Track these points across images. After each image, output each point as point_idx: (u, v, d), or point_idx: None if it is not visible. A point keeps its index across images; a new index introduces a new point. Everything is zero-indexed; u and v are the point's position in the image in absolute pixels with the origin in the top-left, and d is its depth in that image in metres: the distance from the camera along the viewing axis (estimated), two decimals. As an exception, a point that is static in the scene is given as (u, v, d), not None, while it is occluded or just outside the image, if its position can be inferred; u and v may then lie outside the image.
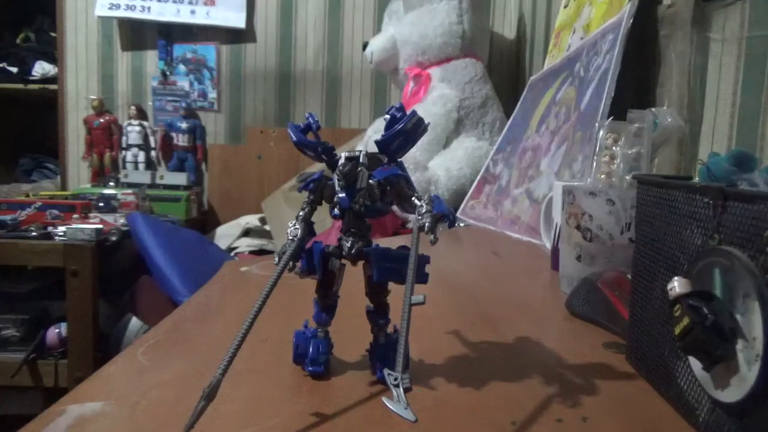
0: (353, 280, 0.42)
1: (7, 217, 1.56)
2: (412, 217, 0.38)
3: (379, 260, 0.39)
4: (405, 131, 0.39)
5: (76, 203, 1.67)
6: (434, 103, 1.70)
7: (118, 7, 2.29)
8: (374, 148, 0.41)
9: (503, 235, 1.20)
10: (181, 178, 2.22)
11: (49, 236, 1.49)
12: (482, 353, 0.48)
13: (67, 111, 2.40)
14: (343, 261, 0.41)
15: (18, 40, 2.46)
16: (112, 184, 2.18)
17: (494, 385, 0.41)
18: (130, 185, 2.13)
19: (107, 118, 2.34)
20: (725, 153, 0.62)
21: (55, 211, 1.62)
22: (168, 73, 2.38)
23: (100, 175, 2.34)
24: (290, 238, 0.39)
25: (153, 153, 2.40)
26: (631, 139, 0.71)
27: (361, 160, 0.39)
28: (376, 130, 1.89)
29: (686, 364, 0.36)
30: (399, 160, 0.41)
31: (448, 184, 1.57)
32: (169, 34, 2.37)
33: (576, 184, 0.74)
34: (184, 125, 2.35)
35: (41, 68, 2.38)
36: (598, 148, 0.74)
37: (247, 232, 2.03)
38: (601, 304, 0.57)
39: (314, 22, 2.33)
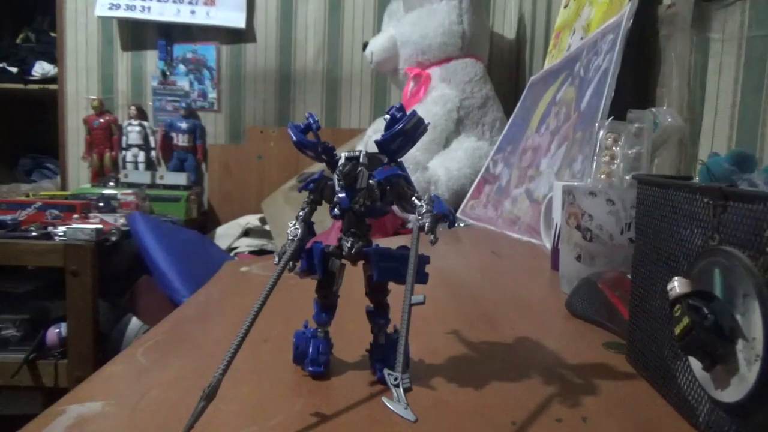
0: (353, 280, 0.42)
1: (7, 217, 1.55)
2: (412, 217, 0.38)
3: (379, 260, 0.39)
4: (405, 131, 0.39)
5: (76, 203, 1.67)
6: (434, 103, 1.70)
7: (118, 7, 2.29)
8: (374, 148, 0.41)
9: (503, 235, 1.20)
10: (181, 178, 2.22)
11: (49, 236, 1.49)
12: (482, 353, 0.48)
13: (67, 111, 2.40)
14: (343, 261, 0.41)
15: (18, 40, 2.46)
16: (112, 184, 2.18)
17: (494, 385, 0.41)
18: (130, 185, 2.13)
19: (107, 118, 2.34)
20: (725, 153, 0.62)
21: (55, 211, 1.62)
22: (168, 73, 2.38)
23: (100, 175, 2.34)
24: (290, 238, 0.39)
25: (153, 153, 2.40)
26: (631, 139, 0.71)
27: (361, 160, 0.39)
28: (376, 130, 1.89)
29: (686, 364, 0.36)
30: (399, 160, 0.41)
31: (448, 184, 1.57)
32: (169, 34, 2.37)
33: (576, 184, 0.74)
34: (184, 125, 2.35)
35: (41, 68, 2.38)
36: (598, 148, 0.74)
37: (247, 232, 2.03)
38: (601, 304, 0.57)
39: (314, 22, 2.34)
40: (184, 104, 2.36)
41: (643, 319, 0.43)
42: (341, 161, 0.40)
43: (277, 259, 0.38)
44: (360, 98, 2.36)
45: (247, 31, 2.34)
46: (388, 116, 0.40)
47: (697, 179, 0.59)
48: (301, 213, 0.40)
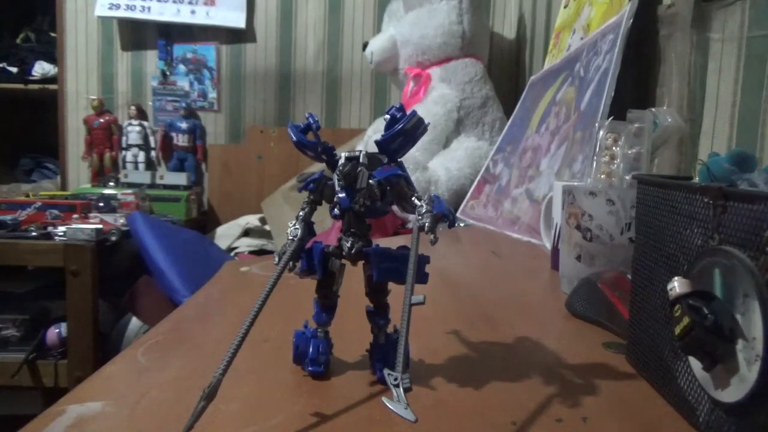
0: (353, 280, 0.42)
1: (7, 217, 1.55)
2: (412, 217, 0.38)
3: (379, 260, 0.39)
4: (405, 131, 0.39)
5: (76, 203, 1.67)
6: (434, 103, 1.70)
7: (118, 7, 2.29)
8: (374, 148, 0.41)
9: (503, 235, 1.20)
10: (181, 178, 2.22)
11: (49, 236, 1.49)
12: (482, 353, 0.48)
13: (67, 111, 2.40)
14: (343, 261, 0.41)
15: (18, 40, 2.46)
16: (112, 184, 2.18)
17: (494, 385, 0.41)
18: (130, 185, 2.13)
19: (107, 118, 2.34)
20: (725, 153, 0.62)
21: (55, 211, 1.62)
22: (168, 73, 2.38)
23: (100, 175, 2.34)
24: (290, 238, 0.39)
25: (153, 153, 2.40)
26: (631, 139, 0.71)
27: (361, 160, 0.39)
28: (376, 130, 1.89)
29: (686, 364, 0.36)
30: (399, 160, 0.41)
31: (448, 184, 1.57)
32: (169, 34, 2.37)
33: (576, 184, 0.74)
34: (184, 125, 2.35)
35: (41, 68, 2.38)
36: (598, 148, 0.74)
37: (247, 232, 2.03)
38: (601, 304, 0.57)
39: (314, 22, 2.33)
40: (184, 104, 2.36)
41: (643, 319, 0.43)
42: (341, 161, 0.40)
43: (277, 259, 0.38)
44: (360, 98, 2.36)
45: (247, 31, 2.34)
46: (388, 116, 0.40)
47: (697, 179, 0.59)
48: (301, 213, 0.40)
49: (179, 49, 2.38)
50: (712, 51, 0.88)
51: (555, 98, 1.28)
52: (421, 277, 0.38)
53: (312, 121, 0.40)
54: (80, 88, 2.39)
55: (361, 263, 0.40)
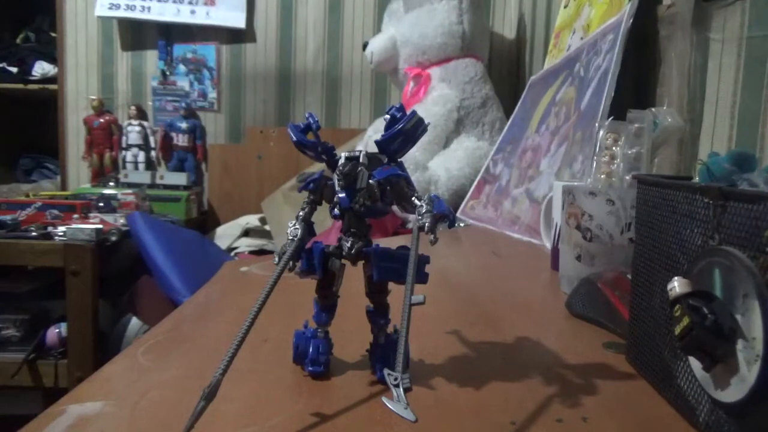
0: (353, 280, 0.42)
1: (7, 217, 1.55)
2: (412, 217, 0.38)
3: (379, 260, 0.39)
4: (405, 131, 0.39)
5: (76, 203, 1.66)
6: (434, 103, 1.70)
7: (118, 7, 2.29)
8: (374, 148, 0.41)
9: (503, 235, 1.20)
10: (181, 178, 2.22)
11: (49, 236, 1.49)
12: (482, 353, 0.48)
13: (67, 111, 2.40)
14: (343, 261, 0.41)
15: (18, 40, 2.46)
16: (112, 184, 2.18)
17: (494, 385, 0.41)
18: (130, 185, 2.13)
19: (107, 118, 2.34)
20: (725, 153, 0.62)
21: (55, 211, 1.62)
22: (168, 73, 2.38)
23: (100, 175, 2.34)
24: (290, 238, 0.39)
25: (153, 153, 2.40)
26: (631, 139, 0.71)
27: (361, 160, 0.39)
28: (376, 130, 1.89)
29: (686, 364, 0.36)
30: (399, 160, 0.41)
31: (448, 184, 1.57)
32: (169, 34, 2.37)
33: (576, 184, 0.74)
34: (184, 125, 2.35)
35: (41, 68, 2.38)
36: (598, 148, 0.74)
37: (247, 232, 2.03)
38: (601, 304, 0.57)
39: (314, 22, 2.33)
40: (184, 104, 2.35)
41: (643, 319, 0.43)
42: (341, 161, 0.40)
43: (277, 259, 0.38)
44: (360, 98, 2.36)
45: (247, 31, 2.34)
46: (388, 116, 0.40)
47: (697, 179, 0.59)
48: (301, 213, 0.40)
49: (179, 49, 2.38)
50: (712, 51, 0.88)
51: (555, 98, 1.28)
52: (421, 277, 0.38)
53: (312, 121, 0.40)
54: (80, 88, 2.39)
55: (361, 263, 0.41)
